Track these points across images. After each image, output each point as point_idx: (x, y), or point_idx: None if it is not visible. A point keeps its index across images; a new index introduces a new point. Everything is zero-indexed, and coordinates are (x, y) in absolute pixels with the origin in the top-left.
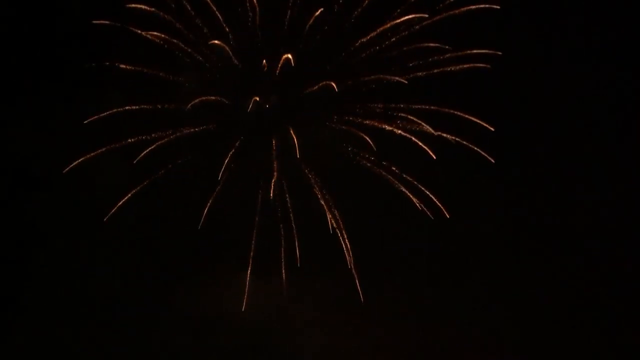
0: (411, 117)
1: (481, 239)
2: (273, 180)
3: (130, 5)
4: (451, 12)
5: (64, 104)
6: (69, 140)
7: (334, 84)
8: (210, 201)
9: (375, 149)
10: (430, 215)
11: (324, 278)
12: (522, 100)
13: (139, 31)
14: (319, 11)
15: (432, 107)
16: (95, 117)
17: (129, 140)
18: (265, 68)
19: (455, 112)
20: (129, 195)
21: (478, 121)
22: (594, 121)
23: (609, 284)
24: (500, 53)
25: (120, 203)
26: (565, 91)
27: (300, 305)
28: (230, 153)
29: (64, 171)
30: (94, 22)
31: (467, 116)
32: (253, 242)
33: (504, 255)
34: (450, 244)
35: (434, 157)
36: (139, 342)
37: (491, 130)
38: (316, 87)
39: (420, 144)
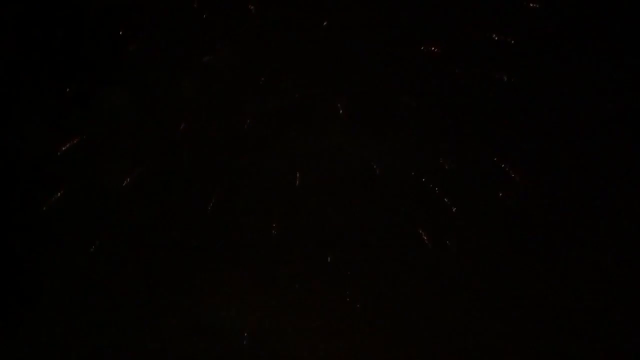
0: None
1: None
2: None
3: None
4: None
5: (77, 106)
6: (80, 142)
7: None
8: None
9: (376, 169)
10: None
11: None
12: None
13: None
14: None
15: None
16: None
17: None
18: (265, 77)
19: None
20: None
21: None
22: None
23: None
24: (506, 79)
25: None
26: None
27: (299, 321)
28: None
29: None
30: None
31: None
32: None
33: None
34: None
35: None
36: (139, 345)
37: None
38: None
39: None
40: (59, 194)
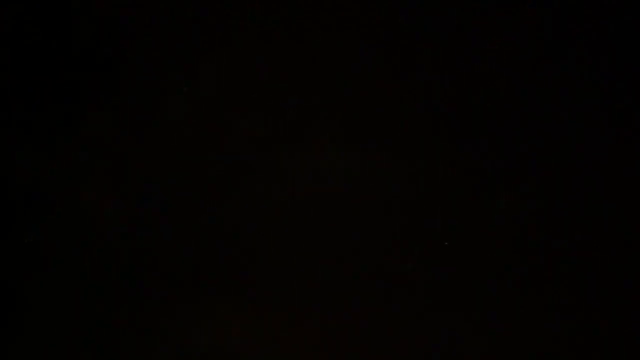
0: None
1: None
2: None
3: None
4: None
5: (64, 127)
6: (67, 165)
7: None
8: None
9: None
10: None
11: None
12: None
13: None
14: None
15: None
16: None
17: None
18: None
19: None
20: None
21: None
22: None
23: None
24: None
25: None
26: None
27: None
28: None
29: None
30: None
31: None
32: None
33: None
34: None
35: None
36: None
37: None
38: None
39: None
40: (43, 219)
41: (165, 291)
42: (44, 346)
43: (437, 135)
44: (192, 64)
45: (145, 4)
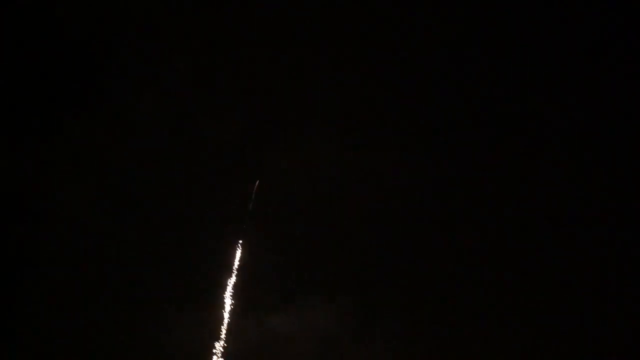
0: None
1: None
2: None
3: None
4: None
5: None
6: (50, 165)
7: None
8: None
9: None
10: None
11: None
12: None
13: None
14: None
15: None
16: None
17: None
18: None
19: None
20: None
21: None
22: None
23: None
24: None
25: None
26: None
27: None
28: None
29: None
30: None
31: None
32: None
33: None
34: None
35: None
36: None
37: None
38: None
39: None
40: (25, 219)
41: (148, 289)
42: (28, 340)
43: (437, 134)
44: (173, 64)
45: (124, 7)
